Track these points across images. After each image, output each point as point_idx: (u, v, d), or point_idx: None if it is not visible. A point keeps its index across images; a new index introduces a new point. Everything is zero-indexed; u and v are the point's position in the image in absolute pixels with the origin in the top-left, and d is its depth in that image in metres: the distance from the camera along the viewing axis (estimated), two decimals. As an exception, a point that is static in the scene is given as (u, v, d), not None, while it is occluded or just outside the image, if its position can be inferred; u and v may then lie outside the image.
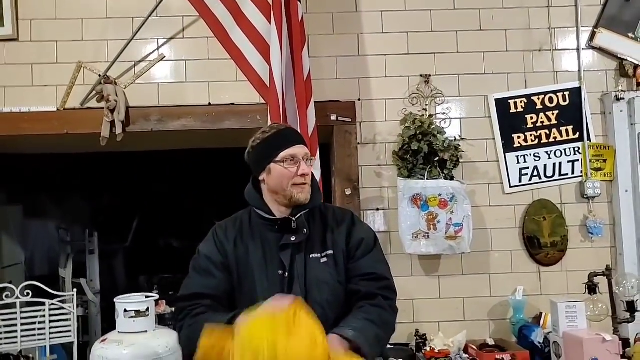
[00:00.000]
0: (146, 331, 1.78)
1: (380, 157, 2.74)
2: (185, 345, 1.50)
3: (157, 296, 1.97)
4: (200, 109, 2.67)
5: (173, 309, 3.05)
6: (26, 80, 2.66)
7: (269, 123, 2.34)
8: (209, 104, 2.69)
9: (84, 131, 2.60)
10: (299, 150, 1.54)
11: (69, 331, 2.30)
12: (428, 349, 2.46)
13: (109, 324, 3.34)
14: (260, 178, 1.57)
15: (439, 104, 2.78)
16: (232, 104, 2.69)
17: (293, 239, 1.52)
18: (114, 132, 2.56)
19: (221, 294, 1.53)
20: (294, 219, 1.53)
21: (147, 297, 1.84)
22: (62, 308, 2.30)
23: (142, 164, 4.56)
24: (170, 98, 2.70)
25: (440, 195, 2.60)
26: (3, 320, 2.24)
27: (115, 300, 1.80)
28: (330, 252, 1.56)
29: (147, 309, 1.79)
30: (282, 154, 1.51)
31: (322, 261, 1.54)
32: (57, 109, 2.63)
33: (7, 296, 2.24)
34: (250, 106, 2.67)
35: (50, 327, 2.29)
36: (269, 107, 2.33)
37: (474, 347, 2.47)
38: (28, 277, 3.99)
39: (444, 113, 2.77)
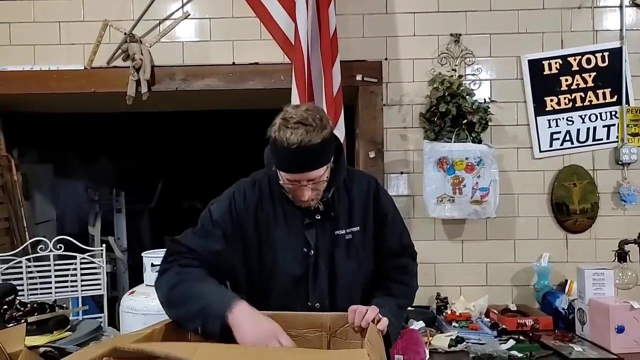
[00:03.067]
0: (171, 284, 1.82)
1: (406, 119, 2.68)
2: (163, 292, 1.35)
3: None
4: (224, 69, 2.65)
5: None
6: (54, 39, 2.67)
7: (294, 83, 2.32)
8: (233, 63, 2.67)
9: (110, 90, 2.61)
10: (300, 177, 1.34)
11: (99, 284, 2.38)
12: (449, 311, 2.46)
13: (135, 280, 3.45)
14: None
15: (469, 65, 2.69)
16: (256, 63, 2.66)
17: (318, 217, 1.45)
18: (139, 91, 2.56)
19: (218, 263, 1.42)
20: (320, 204, 1.44)
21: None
22: (92, 262, 2.38)
23: (167, 125, 4.61)
24: (195, 57, 2.68)
25: (467, 159, 2.55)
26: (38, 271, 2.32)
27: (142, 254, 1.85)
28: (357, 228, 1.48)
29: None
30: (282, 175, 1.37)
31: (347, 237, 1.47)
32: (85, 68, 2.64)
33: (41, 249, 2.32)
34: (274, 66, 2.64)
35: (82, 280, 2.37)
36: (293, 66, 2.30)
37: (495, 311, 2.46)
38: (59, 233, 4.14)
39: (474, 74, 2.68)
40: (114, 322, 2.81)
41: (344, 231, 1.47)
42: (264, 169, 1.51)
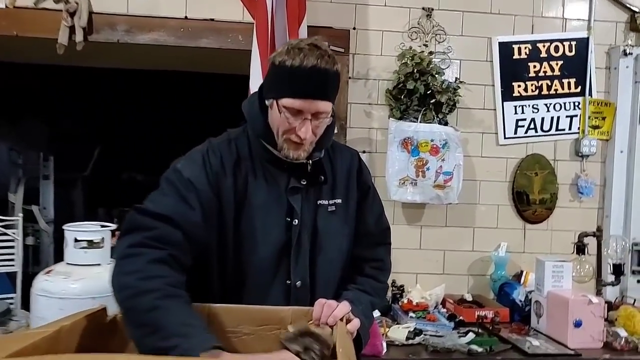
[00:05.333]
0: (99, 264, 1.55)
1: (371, 95, 2.51)
2: (124, 295, 1.02)
3: (115, 226, 1.71)
4: (175, 22, 2.35)
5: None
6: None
7: (254, 43, 2.07)
8: (185, 17, 2.37)
9: (37, 35, 2.25)
10: (308, 105, 1.15)
11: (13, 260, 2.05)
12: (405, 300, 2.34)
13: (62, 256, 3.10)
14: (267, 103, 1.23)
15: (440, 42, 2.54)
16: (212, 19, 2.37)
17: (304, 182, 1.25)
18: (73, 40, 2.22)
19: (196, 239, 1.13)
20: (310, 162, 1.25)
21: (102, 226, 1.61)
22: (6, 234, 2.04)
23: (109, 84, 4.18)
24: (141, 7, 2.35)
25: (432, 140, 2.42)
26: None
27: (64, 227, 1.56)
28: (339, 200, 1.30)
29: (102, 240, 1.56)
30: (286, 101, 1.16)
31: (329, 209, 1.29)
32: (6, 6, 2.26)
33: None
34: (232, 24, 2.37)
35: (-7, 254, 2.04)
36: (255, 24, 2.05)
37: (451, 301, 2.37)
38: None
39: (444, 52, 2.54)
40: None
41: (327, 202, 1.28)
42: (239, 127, 1.30)
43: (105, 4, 2.33)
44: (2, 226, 2.04)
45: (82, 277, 1.50)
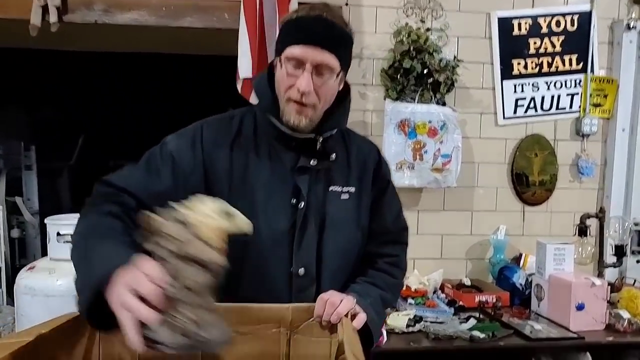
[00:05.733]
0: (85, 259, 1.45)
1: (366, 75, 2.40)
2: (71, 252, 0.95)
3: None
4: (156, 1, 2.22)
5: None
6: None
7: (242, 21, 1.96)
8: (168, -5, 2.24)
9: (7, 16, 2.10)
10: (310, 53, 1.06)
11: (-6, 255, 1.95)
12: (404, 287, 2.27)
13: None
14: (275, 70, 1.14)
15: (437, 18, 2.44)
16: (196, -3, 2.25)
17: (314, 162, 1.14)
18: (47, 21, 2.09)
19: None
20: (320, 138, 1.14)
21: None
22: (-15, 228, 1.94)
23: (89, 68, 4.02)
24: (120, -16, 2.22)
25: (430, 122, 2.33)
26: None
27: (46, 220, 1.45)
28: (353, 189, 1.19)
29: (87, 233, 1.45)
30: (288, 50, 1.08)
31: (342, 197, 1.18)
32: (-26, -14, 2.11)
33: None
34: (217, 1, 2.24)
35: (-29, 250, 1.93)
36: (242, 2, 1.93)
37: (450, 286, 2.31)
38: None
39: (441, 29, 2.44)
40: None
41: (340, 188, 1.17)
42: (245, 108, 1.23)
43: (82, -19, 2.19)
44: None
45: (67, 273, 1.40)
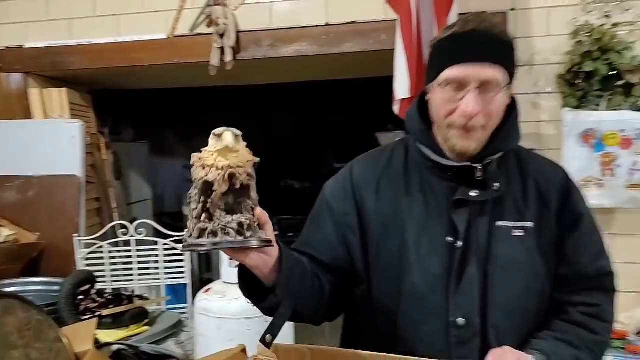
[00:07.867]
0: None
1: (538, 82, 2.16)
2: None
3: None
4: (317, 30, 2.30)
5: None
6: (137, 7, 2.50)
7: (399, 40, 1.91)
8: (327, 24, 2.31)
9: (192, 60, 2.38)
10: (472, 71, 0.94)
11: (183, 272, 2.19)
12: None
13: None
14: (427, 98, 1.06)
15: (625, 10, 2.08)
16: (354, 22, 2.27)
17: (474, 194, 1.00)
18: (223, 60, 2.31)
19: (325, 259, 1.05)
20: (478, 166, 1.00)
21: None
22: (175, 249, 2.19)
23: (260, 100, 4.40)
24: (283, 19, 2.36)
25: (622, 131, 1.99)
26: (120, 257, 2.19)
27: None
28: (530, 224, 1.01)
29: (256, 258, 1.53)
30: (445, 73, 0.97)
31: (514, 234, 1.00)
32: (168, 37, 2.44)
33: (123, 233, 2.18)
34: (374, 24, 2.24)
35: (165, 267, 2.20)
36: (399, 20, 1.88)
37: (658, 328, 1.91)
38: (156, 213, 4.14)
39: (632, 22, 2.07)
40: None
41: (511, 224, 1.01)
42: (401, 139, 1.18)
43: (250, 20, 2.38)
44: (173, 240, 2.19)
45: (236, 296, 1.49)
